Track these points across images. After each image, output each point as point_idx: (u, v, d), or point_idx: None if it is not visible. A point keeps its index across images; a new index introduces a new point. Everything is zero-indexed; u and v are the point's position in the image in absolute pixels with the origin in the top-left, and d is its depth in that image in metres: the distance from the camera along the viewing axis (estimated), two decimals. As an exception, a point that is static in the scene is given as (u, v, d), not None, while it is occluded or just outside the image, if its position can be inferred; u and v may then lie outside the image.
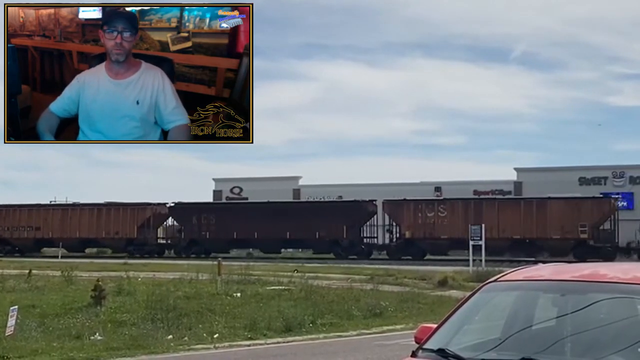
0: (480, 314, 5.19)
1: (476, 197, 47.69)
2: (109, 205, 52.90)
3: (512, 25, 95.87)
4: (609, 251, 42.01)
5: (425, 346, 4.86)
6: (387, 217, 48.56)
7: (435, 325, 5.13)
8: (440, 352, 4.67)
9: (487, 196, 47.44)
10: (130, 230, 51.45)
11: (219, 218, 50.17)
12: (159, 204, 52.57)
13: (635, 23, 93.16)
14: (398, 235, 47.34)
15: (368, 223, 49.34)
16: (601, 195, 46.59)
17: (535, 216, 44.25)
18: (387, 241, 48.64)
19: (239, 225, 48.84)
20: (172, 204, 52.56)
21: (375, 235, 49.71)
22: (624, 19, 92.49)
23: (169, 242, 53.81)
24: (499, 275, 5.40)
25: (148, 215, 51.57)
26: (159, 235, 53.67)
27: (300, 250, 50.86)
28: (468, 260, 32.93)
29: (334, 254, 46.24)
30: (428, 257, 45.31)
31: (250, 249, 50.98)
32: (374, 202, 48.71)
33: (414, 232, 46.21)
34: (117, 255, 48.51)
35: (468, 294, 5.47)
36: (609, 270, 5.20)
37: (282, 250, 50.24)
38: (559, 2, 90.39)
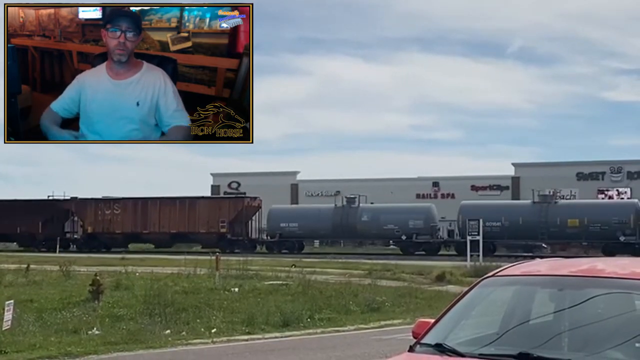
0: (478, 308, 5.18)
1: (143, 197, 53.13)
2: None
3: (509, 20, 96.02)
4: (245, 244, 48.58)
5: (423, 341, 4.87)
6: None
7: (432, 320, 5.12)
8: (438, 346, 4.68)
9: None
10: None
11: None
12: None
13: (631, 18, 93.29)
14: (82, 230, 53.27)
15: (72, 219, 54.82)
16: (242, 195, 53.09)
17: (187, 213, 50.54)
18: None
19: None
20: None
21: (76, 230, 54.65)
22: (619, 14, 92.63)
23: None
24: (496, 270, 5.40)
25: None
26: None
27: (6, 243, 55.46)
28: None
29: (33, 247, 51.06)
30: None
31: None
32: (70, 201, 54.13)
33: (95, 228, 52.20)
34: None
35: (465, 289, 5.47)
36: (606, 266, 5.19)
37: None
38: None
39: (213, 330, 15.05)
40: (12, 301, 13.79)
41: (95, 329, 14.61)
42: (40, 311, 16.77)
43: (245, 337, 14.71)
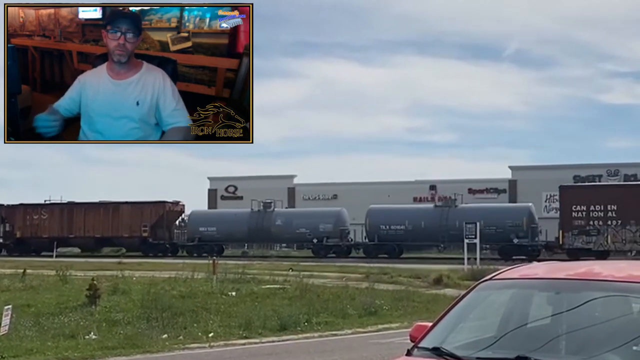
0: (476, 312, 5.19)
1: (69, 202, 55.62)
2: None
3: (504, 22, 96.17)
4: (167, 248, 51.35)
5: (421, 345, 4.86)
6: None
7: (430, 324, 5.13)
8: (436, 350, 4.67)
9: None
10: None
11: None
12: None
13: (626, 20, 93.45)
14: (10, 234, 55.42)
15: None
16: (161, 200, 54.41)
17: (111, 218, 52.94)
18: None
19: None
20: None
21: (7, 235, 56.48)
22: (615, 17, 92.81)
23: None
24: (494, 274, 5.40)
25: None
26: None
27: None
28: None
29: None
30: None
31: None
32: (1, 208, 56.16)
33: (23, 233, 54.54)
34: None
35: (463, 292, 5.47)
36: (603, 269, 5.19)
37: None
38: (550, 0, 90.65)
39: (210, 335, 15.03)
40: (10, 306, 13.76)
41: (92, 333, 14.58)
42: (37, 316, 16.74)
43: (243, 341, 14.70)
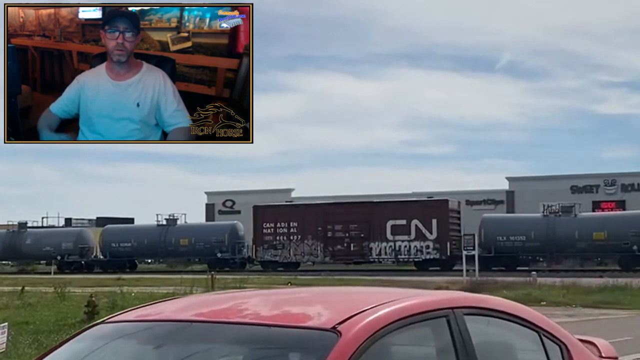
0: None
1: None
2: None
3: (496, 34, 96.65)
4: None
5: None
6: None
7: None
8: None
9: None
10: None
11: None
12: None
13: (619, 31, 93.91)
14: None
15: None
16: None
17: None
18: None
19: None
20: None
21: None
22: (607, 27, 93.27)
23: None
24: (111, 315, 3.94)
25: None
26: None
27: None
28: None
29: None
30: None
31: None
32: None
33: None
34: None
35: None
36: (261, 302, 3.75)
37: None
38: (542, 11, 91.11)
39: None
40: (6, 323, 13.59)
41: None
42: (36, 333, 16.60)
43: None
